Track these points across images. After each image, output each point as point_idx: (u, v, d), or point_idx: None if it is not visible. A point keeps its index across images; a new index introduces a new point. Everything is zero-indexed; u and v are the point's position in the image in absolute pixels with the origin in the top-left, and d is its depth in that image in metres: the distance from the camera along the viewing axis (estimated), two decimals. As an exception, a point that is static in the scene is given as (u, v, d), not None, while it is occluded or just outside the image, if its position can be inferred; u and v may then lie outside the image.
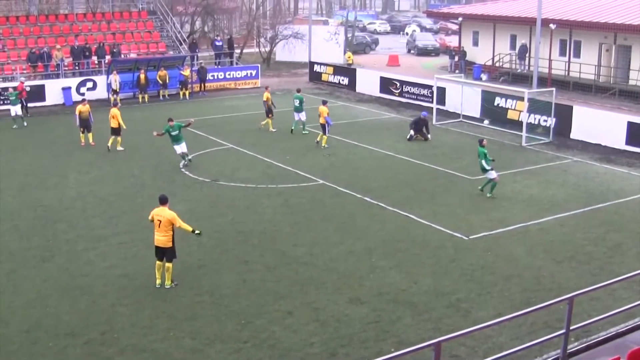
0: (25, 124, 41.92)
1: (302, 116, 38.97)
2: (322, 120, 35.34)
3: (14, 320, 18.15)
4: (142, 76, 50.42)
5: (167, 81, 51.69)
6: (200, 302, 18.94)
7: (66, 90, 50.44)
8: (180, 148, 32.11)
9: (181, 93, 52.08)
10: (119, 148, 35.78)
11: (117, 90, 49.62)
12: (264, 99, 39.63)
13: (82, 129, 36.88)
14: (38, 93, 49.74)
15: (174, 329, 17.48)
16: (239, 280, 20.20)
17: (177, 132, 31.79)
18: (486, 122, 40.77)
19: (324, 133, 35.48)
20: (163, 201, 19.80)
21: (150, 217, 19.83)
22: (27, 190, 29.35)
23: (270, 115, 39.40)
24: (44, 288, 20.00)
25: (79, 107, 36.74)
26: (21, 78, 49.79)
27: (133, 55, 55.65)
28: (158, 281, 19.83)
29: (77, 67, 53.58)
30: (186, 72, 52.07)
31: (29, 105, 47.14)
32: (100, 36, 56.96)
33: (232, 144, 36.42)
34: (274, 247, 22.73)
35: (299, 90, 40.49)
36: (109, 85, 50.39)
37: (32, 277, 20.79)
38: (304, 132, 38.99)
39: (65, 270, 21.16)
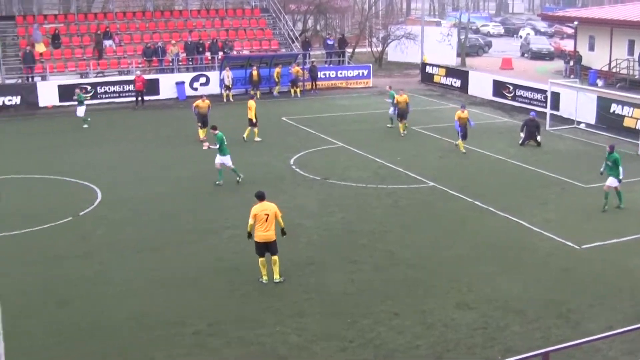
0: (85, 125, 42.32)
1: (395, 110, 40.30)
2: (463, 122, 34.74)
3: (125, 307, 18.59)
4: (255, 73, 50.95)
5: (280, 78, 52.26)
6: (308, 299, 18.99)
7: (180, 85, 51.39)
8: (221, 160, 29.44)
9: (292, 91, 52.42)
10: (257, 139, 36.97)
11: (230, 86, 50.29)
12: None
13: (199, 124, 37.23)
14: (152, 87, 50.85)
15: (280, 324, 17.58)
16: (347, 279, 20.18)
17: (221, 143, 29.29)
18: (583, 125, 39.99)
19: (460, 138, 34.87)
20: (263, 197, 19.87)
21: (252, 216, 19.60)
22: (141, 181, 29.98)
23: None
24: (155, 277, 20.41)
25: (198, 102, 37.24)
26: (137, 72, 50.98)
27: (246, 52, 56.29)
28: (265, 277, 19.93)
29: (190, 63, 54.57)
30: (295, 70, 52.37)
31: (145, 98, 48.36)
32: (213, 32, 57.83)
33: (343, 143, 36.43)
34: (383, 247, 22.62)
35: (390, 87, 43.07)
36: (221, 81, 51.07)
37: (144, 266, 21.28)
38: (389, 125, 40.62)
39: (177, 261, 21.56)
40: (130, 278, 20.47)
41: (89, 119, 41.74)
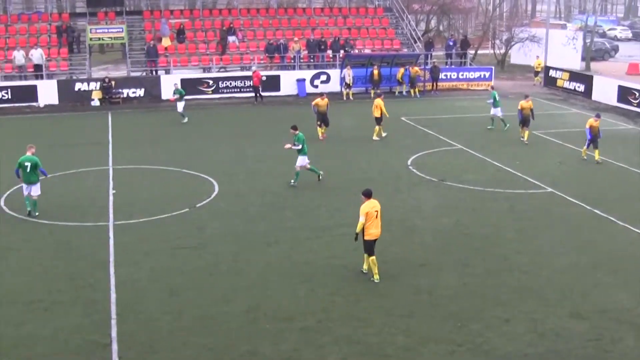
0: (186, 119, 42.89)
1: (498, 112, 39.81)
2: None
3: (236, 299, 18.78)
4: (376, 72, 50.90)
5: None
6: (418, 300, 18.80)
7: (300, 82, 51.80)
8: (302, 161, 29.20)
9: (412, 91, 52.14)
10: (375, 138, 37.12)
11: (350, 84, 50.41)
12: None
13: (319, 122, 37.26)
14: (273, 83, 51.49)
15: (388, 324, 17.44)
16: (459, 283, 19.89)
17: (301, 143, 29.02)
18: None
19: (587, 146, 33.92)
20: (371, 194, 19.86)
21: (365, 214, 19.48)
22: (257, 176, 30.31)
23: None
24: (266, 272, 20.57)
25: (317, 101, 37.13)
26: (253, 67, 51.59)
27: (367, 51, 56.28)
28: (377, 277, 19.82)
29: (312, 60, 54.90)
30: (413, 70, 52.04)
31: (264, 94, 48.93)
32: (335, 31, 58.05)
33: (462, 145, 36.01)
34: (497, 252, 22.21)
35: (492, 87, 43.30)
36: (342, 79, 51.25)
37: (256, 260, 21.44)
38: (489, 127, 40.25)
39: (288, 257, 21.66)
40: (243, 271, 20.69)
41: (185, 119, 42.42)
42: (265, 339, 16.70)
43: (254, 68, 51.60)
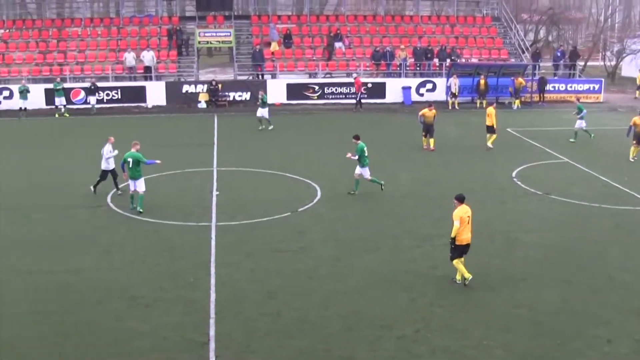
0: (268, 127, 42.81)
1: (582, 124, 39.35)
2: None
3: (334, 305, 18.75)
4: (482, 82, 50.39)
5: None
6: (517, 315, 18.42)
7: (406, 89, 51.67)
8: (360, 171, 28.82)
9: (514, 102, 51.39)
10: (489, 145, 36.87)
11: (456, 93, 50.06)
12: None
13: (424, 133, 36.80)
14: (379, 90, 51.47)
15: (487, 337, 17.14)
16: (560, 299, 19.41)
17: (361, 154, 28.50)
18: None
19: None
20: (464, 199, 20.03)
21: (459, 219, 19.66)
22: (359, 183, 30.26)
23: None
24: (366, 278, 20.49)
25: (424, 111, 36.50)
26: (354, 74, 51.60)
27: (474, 60, 55.76)
28: (468, 275, 19.88)
29: (418, 68, 54.66)
30: (518, 81, 51.26)
31: (370, 101, 48.95)
32: (443, 39, 57.68)
33: (568, 158, 35.24)
34: (601, 270, 21.57)
35: (578, 99, 42.49)
36: (448, 88, 50.93)
37: (356, 265, 21.40)
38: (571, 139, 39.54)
39: (389, 264, 21.54)
40: (342, 276, 20.66)
41: (271, 126, 42.43)
42: (362, 346, 16.63)
43: (354, 75, 51.65)
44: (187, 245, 23.15)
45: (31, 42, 56.03)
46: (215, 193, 28.77)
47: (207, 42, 57.04)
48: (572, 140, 39.21)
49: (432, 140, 36.46)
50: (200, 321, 17.87)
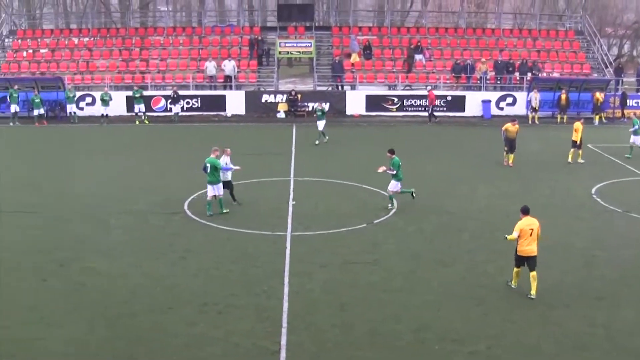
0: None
1: (638, 140, 38.47)
2: None
3: (406, 318, 18.64)
4: (564, 96, 49.67)
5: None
6: (592, 333, 18.01)
7: (486, 103, 51.22)
8: (395, 187, 28.54)
9: (595, 118, 50.47)
10: (580, 161, 36.61)
11: (537, 108, 49.44)
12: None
13: (506, 148, 35.97)
14: (458, 103, 51.15)
15: (559, 355, 16.78)
16: (637, 319, 18.92)
17: (396, 169, 28.28)
18: None
19: None
20: (528, 211, 20.25)
21: (518, 230, 19.91)
22: (435, 195, 30.08)
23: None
24: (439, 292, 20.31)
25: (508, 126, 35.70)
26: (428, 87, 51.30)
27: (555, 75, 54.96)
28: (514, 283, 20.56)
29: (498, 82, 54.11)
30: (596, 96, 50.31)
31: (449, 114, 48.67)
32: (524, 53, 57.01)
33: (650, 175, 34.53)
34: (682, 290, 21.05)
35: (635, 114, 41.36)
36: (528, 102, 50.33)
37: (430, 279, 21.23)
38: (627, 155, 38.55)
39: (463, 279, 21.32)
40: (416, 289, 20.51)
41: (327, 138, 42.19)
42: (433, 360, 16.51)
43: (428, 88, 51.35)
44: (261, 254, 23.27)
45: (115, 50, 57.20)
46: (291, 203, 28.88)
47: (288, 53, 57.52)
48: (627, 155, 38.26)
49: (511, 156, 35.82)
50: (272, 330, 17.92)
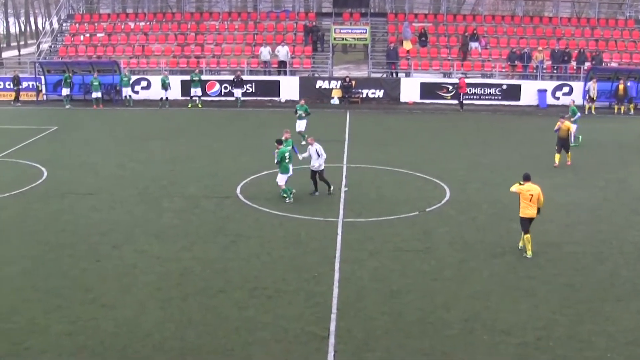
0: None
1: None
2: None
3: (456, 307, 18.57)
4: (621, 87, 48.95)
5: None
6: (646, 328, 17.83)
7: (541, 92, 50.69)
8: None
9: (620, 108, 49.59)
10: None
11: (594, 98, 48.76)
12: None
13: (557, 147, 33.48)
14: (514, 92, 50.70)
15: (612, 350, 16.56)
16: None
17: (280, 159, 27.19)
18: None
19: None
20: (529, 178, 22.11)
21: (518, 190, 22.04)
22: (489, 185, 29.89)
23: None
24: (490, 283, 20.18)
25: (559, 124, 33.53)
26: (459, 75, 50.77)
27: (614, 64, 54.14)
28: (529, 253, 22.04)
29: (555, 71, 53.51)
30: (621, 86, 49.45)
31: (504, 103, 48.25)
32: (582, 42, 56.23)
33: None
34: None
35: (573, 102, 40.19)
36: (585, 92, 49.65)
37: (480, 270, 21.10)
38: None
39: (513, 269, 21.16)
40: (466, 279, 20.41)
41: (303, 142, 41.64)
42: (482, 350, 16.41)
43: (460, 76, 50.77)
44: (312, 240, 23.36)
45: (170, 35, 57.71)
46: (344, 189, 28.90)
47: (343, 39, 57.43)
48: (574, 144, 36.89)
49: (569, 155, 33.54)
50: (321, 315, 17.99)
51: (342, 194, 28.29)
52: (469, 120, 45.61)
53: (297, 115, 37.93)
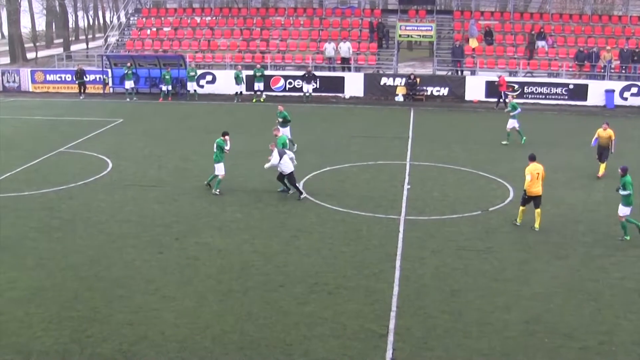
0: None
1: (516, 124, 37.12)
2: None
3: (517, 309, 18.39)
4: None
5: None
6: None
7: (609, 93, 49.84)
8: (624, 212, 24.05)
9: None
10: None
11: (662, 99, 47.87)
12: None
13: (597, 156, 31.47)
14: (580, 92, 50.04)
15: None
16: None
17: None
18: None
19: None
20: (534, 158, 24.35)
21: (530, 173, 23.83)
22: (553, 186, 29.37)
23: None
24: (552, 285, 19.93)
25: (599, 131, 31.35)
26: (499, 73, 49.94)
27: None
28: (519, 220, 24.50)
29: (623, 71, 52.56)
30: None
31: (571, 103, 47.61)
32: (655, 42, 55.12)
33: None
34: None
35: (513, 97, 40.06)
36: (654, 93, 48.79)
37: (543, 271, 20.87)
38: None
39: (577, 272, 20.87)
40: (528, 280, 20.20)
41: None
42: (542, 353, 16.22)
43: (499, 74, 49.97)
44: (374, 236, 23.34)
45: (236, 30, 58.09)
46: (407, 187, 28.81)
47: (408, 36, 57.19)
48: (504, 142, 37.10)
49: (602, 165, 31.15)
50: (381, 313, 17.98)
51: (405, 192, 28.19)
52: (535, 120, 44.95)
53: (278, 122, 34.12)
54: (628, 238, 23.33)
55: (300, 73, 52.02)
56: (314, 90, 51.45)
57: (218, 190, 27.70)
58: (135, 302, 18.37)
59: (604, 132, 31.15)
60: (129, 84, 51.19)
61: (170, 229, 23.75)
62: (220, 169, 27.99)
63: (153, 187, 28.68)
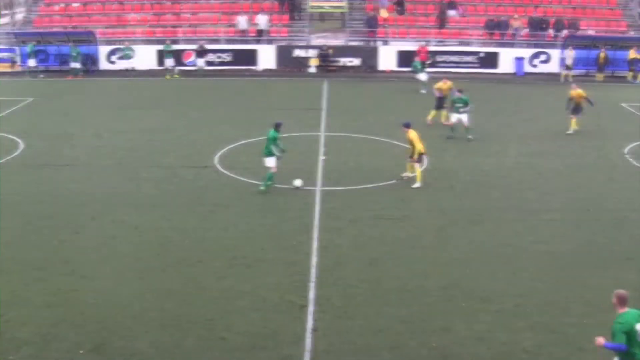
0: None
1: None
2: None
3: (434, 275, 18.68)
4: (602, 55, 49.01)
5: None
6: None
7: (518, 60, 50.64)
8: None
9: (629, 75, 49.67)
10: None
11: (571, 66, 48.78)
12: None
13: (571, 112, 33.61)
14: (491, 60, 50.69)
15: (588, 316, 16.67)
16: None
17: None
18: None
19: None
20: (409, 125, 26.08)
21: (418, 140, 25.48)
22: (467, 152, 29.93)
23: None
24: (468, 250, 20.31)
25: (571, 92, 33.84)
26: (422, 43, 50.28)
27: (591, 32, 54.09)
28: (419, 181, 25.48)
29: (532, 39, 53.41)
30: (632, 54, 49.41)
31: (482, 71, 48.16)
32: (559, 9, 56.04)
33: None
34: None
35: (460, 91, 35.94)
36: (562, 60, 49.67)
37: (459, 237, 21.23)
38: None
39: (492, 237, 21.29)
40: (444, 246, 20.54)
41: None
42: (460, 317, 16.52)
43: (422, 43, 50.32)
44: (291, 209, 23.40)
45: (146, 4, 57.04)
46: (322, 158, 28.88)
47: (320, 7, 57.08)
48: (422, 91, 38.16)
49: (573, 121, 33.45)
50: (300, 284, 18.06)
51: (320, 163, 28.27)
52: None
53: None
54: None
55: (215, 47, 51.46)
56: (227, 63, 51.02)
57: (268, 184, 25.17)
58: (53, 284, 18.08)
59: (575, 92, 33.44)
60: (32, 62, 49.98)
61: (85, 208, 23.37)
62: (270, 162, 25.13)
63: (67, 166, 28.18)
